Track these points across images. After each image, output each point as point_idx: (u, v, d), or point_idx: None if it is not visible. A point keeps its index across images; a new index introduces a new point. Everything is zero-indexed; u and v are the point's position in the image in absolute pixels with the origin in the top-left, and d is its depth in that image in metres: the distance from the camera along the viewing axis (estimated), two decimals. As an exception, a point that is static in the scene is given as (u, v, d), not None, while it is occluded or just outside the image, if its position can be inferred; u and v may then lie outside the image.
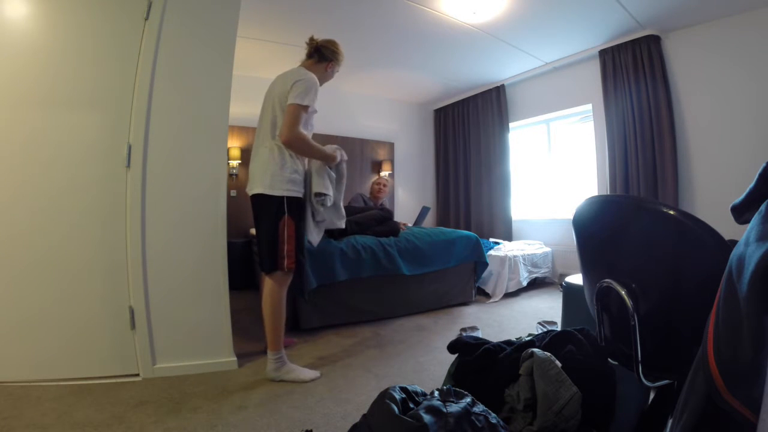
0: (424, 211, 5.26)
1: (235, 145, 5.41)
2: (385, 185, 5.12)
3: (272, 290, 2.27)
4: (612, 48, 4.52)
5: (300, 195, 2.31)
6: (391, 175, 6.57)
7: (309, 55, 2.47)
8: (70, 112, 2.21)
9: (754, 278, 0.54)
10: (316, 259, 3.12)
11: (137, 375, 2.25)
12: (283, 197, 2.23)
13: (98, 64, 2.24)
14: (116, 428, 1.72)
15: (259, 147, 2.32)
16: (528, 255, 4.83)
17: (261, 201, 2.26)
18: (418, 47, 4.75)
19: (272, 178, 2.22)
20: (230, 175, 5.36)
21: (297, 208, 2.29)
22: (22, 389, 2.03)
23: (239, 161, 5.42)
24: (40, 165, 2.16)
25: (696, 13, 3.84)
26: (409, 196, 6.91)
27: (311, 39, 2.47)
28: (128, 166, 2.24)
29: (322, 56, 2.45)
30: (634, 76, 4.34)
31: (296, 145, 2.21)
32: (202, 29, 2.41)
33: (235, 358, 2.44)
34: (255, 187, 2.27)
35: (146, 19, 2.27)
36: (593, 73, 4.81)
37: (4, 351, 2.11)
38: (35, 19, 2.16)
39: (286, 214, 2.23)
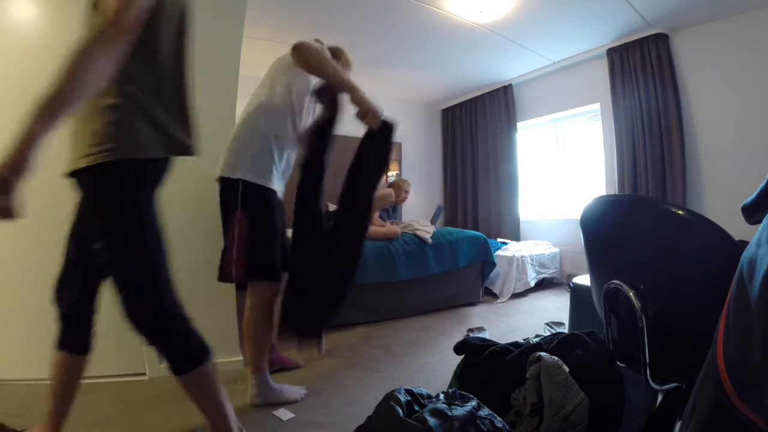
0: (438, 210, 5.24)
1: (242, 145, 5.41)
2: (407, 192, 4.47)
3: None
4: (620, 47, 4.48)
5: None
6: (398, 175, 6.55)
7: None
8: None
9: (766, 281, 0.53)
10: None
11: (144, 374, 2.26)
12: None
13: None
14: (122, 427, 1.73)
15: None
16: (536, 255, 4.81)
17: None
18: (425, 47, 4.74)
19: None
20: (237, 176, 5.36)
21: None
22: (28, 387, 2.04)
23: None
24: (45, 164, 2.17)
25: (705, 11, 3.80)
26: (417, 196, 6.89)
27: (316, 41, 2.19)
28: (135, 166, 2.25)
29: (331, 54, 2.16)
30: (642, 75, 4.30)
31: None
32: (208, 29, 2.40)
33: (241, 358, 2.44)
34: None
35: (153, 19, 2.27)
36: (601, 73, 4.77)
37: (11, 349, 2.12)
38: (40, 22, 2.17)
39: None
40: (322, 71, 1.80)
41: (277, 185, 1.98)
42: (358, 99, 1.77)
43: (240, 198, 1.85)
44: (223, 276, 1.90)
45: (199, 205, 2.38)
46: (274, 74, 1.99)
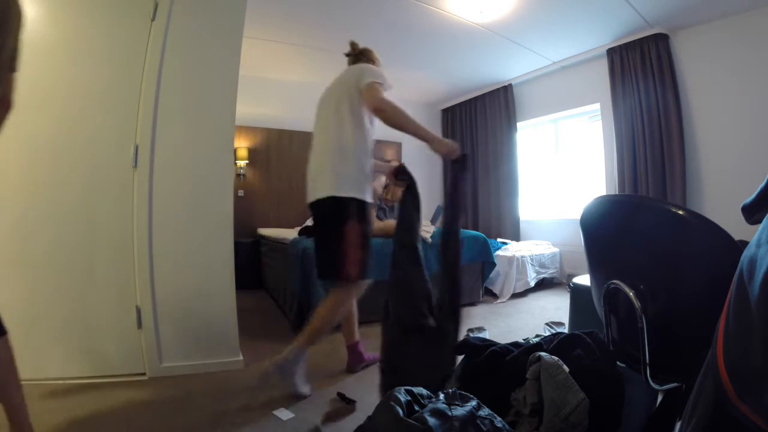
0: (438, 210, 5.25)
1: (242, 145, 5.43)
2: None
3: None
4: (620, 47, 4.48)
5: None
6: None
7: (356, 59, 2.37)
8: (79, 113, 2.21)
9: (766, 280, 0.53)
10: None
11: (144, 374, 2.25)
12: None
13: (105, 65, 2.25)
14: (122, 427, 1.73)
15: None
16: (536, 255, 4.81)
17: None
18: (425, 47, 4.74)
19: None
20: (238, 175, 5.38)
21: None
22: (28, 387, 2.03)
23: (246, 161, 5.43)
24: (50, 166, 2.18)
25: (705, 10, 3.80)
26: (417, 196, 6.89)
27: (353, 44, 2.40)
28: (135, 166, 2.25)
29: (368, 59, 2.38)
30: (642, 75, 4.30)
31: (388, 117, 2.01)
32: (208, 29, 2.41)
33: (241, 358, 2.44)
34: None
35: (153, 19, 2.27)
36: (601, 72, 4.78)
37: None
38: (44, 22, 2.17)
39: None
40: (406, 128, 2.06)
41: (369, 197, 2.14)
42: (437, 146, 2.06)
43: (355, 213, 2.02)
44: (345, 276, 2.04)
45: (200, 207, 2.38)
46: (349, 93, 2.10)
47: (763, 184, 0.78)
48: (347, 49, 2.38)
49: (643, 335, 1.05)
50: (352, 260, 2.02)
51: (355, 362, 2.40)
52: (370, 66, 2.18)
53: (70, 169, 2.19)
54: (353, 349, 2.41)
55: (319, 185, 2.05)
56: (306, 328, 2.08)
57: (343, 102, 2.10)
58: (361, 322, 2.51)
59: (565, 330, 2.58)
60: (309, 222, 4.82)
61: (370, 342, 2.81)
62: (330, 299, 2.12)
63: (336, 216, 2.02)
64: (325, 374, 2.33)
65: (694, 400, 0.72)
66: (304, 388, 2.05)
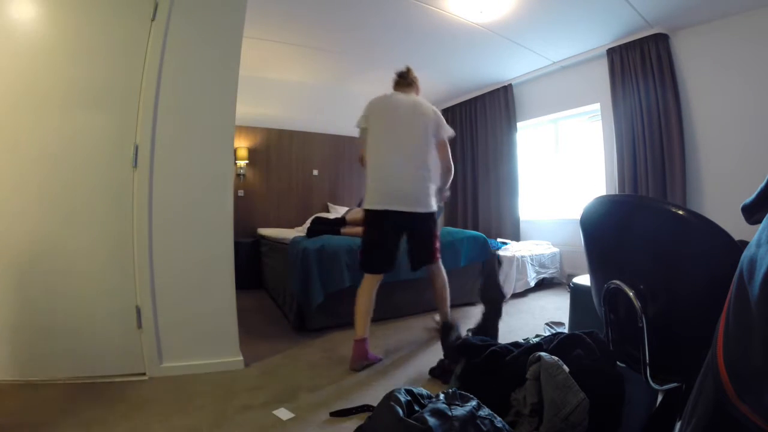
0: (438, 210, 5.24)
1: (242, 145, 5.43)
2: None
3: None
4: (620, 47, 4.47)
5: None
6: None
7: (409, 85, 2.78)
8: (79, 113, 2.21)
9: (766, 280, 0.53)
10: (324, 266, 3.11)
11: (144, 374, 2.25)
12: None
13: (105, 65, 2.25)
14: (122, 427, 1.73)
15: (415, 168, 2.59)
16: (536, 255, 4.80)
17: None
18: (425, 47, 4.73)
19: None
20: (238, 175, 5.38)
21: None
22: (29, 387, 2.04)
23: (246, 161, 5.43)
24: (49, 166, 2.18)
25: (705, 10, 3.79)
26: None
27: (410, 70, 2.81)
28: (135, 166, 2.25)
29: (418, 87, 2.83)
30: (643, 75, 4.29)
31: (451, 176, 2.80)
32: (208, 29, 2.41)
33: (241, 358, 2.44)
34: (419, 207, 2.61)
35: (153, 19, 2.27)
36: (601, 73, 4.76)
37: (11, 350, 2.12)
38: (44, 22, 2.17)
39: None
40: (447, 184, 2.85)
41: None
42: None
43: (437, 219, 2.78)
44: (438, 259, 2.81)
45: (200, 206, 2.38)
46: (430, 130, 2.62)
47: (763, 184, 0.78)
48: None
49: (643, 335, 1.05)
50: (439, 249, 2.80)
51: (359, 358, 2.41)
52: (442, 117, 2.70)
53: (69, 169, 2.19)
54: (360, 345, 2.44)
55: (420, 202, 2.59)
56: (439, 308, 2.82)
57: (428, 135, 2.61)
58: (347, 324, 2.55)
59: (565, 330, 2.58)
60: (322, 214, 4.90)
61: (374, 342, 2.82)
62: (437, 276, 2.80)
63: (431, 224, 2.72)
64: (324, 374, 2.33)
65: (694, 400, 0.72)
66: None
